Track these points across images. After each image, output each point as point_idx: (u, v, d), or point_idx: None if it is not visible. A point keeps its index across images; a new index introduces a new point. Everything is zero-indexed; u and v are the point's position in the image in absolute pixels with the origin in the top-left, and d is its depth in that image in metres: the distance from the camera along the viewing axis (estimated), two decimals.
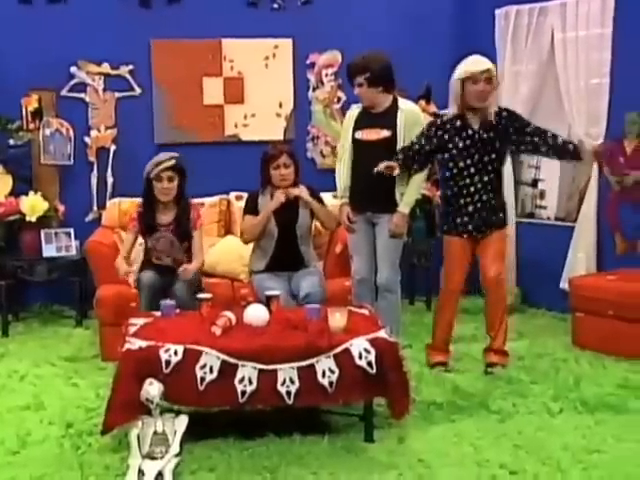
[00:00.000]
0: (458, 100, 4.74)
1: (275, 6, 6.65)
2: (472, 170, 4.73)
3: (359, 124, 5.04)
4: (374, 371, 3.72)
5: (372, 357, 3.73)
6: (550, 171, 6.46)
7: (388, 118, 4.98)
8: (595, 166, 5.95)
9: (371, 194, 4.96)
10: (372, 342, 3.78)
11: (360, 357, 3.73)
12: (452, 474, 3.50)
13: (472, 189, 4.75)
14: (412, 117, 5.02)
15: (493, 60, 6.44)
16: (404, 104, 5.08)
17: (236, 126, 6.70)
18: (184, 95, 6.56)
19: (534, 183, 6.63)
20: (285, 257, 5.12)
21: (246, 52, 6.64)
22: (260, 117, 6.71)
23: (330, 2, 6.66)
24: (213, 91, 6.63)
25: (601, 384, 4.64)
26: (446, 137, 4.77)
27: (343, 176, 5.13)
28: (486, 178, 4.75)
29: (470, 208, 4.77)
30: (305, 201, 5.10)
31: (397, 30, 6.65)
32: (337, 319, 3.89)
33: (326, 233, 5.76)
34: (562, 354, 5.24)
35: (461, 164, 4.74)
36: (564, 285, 5.90)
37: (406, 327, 5.61)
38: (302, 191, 5.10)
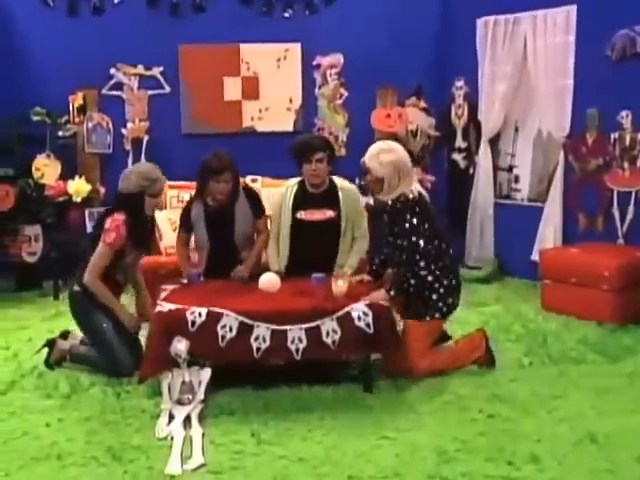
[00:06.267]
0: None
1: (286, 15, 6.61)
2: None
3: (300, 204, 4.40)
4: (371, 331, 3.72)
5: (370, 319, 3.73)
6: (523, 158, 6.42)
7: (331, 198, 4.41)
8: (562, 155, 5.92)
9: (313, 268, 4.14)
10: (369, 306, 3.77)
11: (359, 319, 3.72)
12: (438, 419, 3.52)
13: None
14: (352, 196, 4.49)
15: (474, 62, 6.45)
16: (340, 183, 4.49)
17: (252, 119, 6.67)
18: (207, 92, 6.54)
19: (510, 169, 6.59)
20: (222, 269, 4.36)
21: (261, 55, 6.60)
22: (273, 111, 6.67)
23: (333, 12, 6.61)
24: (232, 89, 6.61)
25: (564, 341, 4.65)
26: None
27: (281, 256, 4.46)
28: None
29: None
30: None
31: (390, 35, 6.59)
32: (339, 285, 3.88)
33: None
34: (532, 316, 5.23)
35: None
36: (535, 257, 5.88)
37: None
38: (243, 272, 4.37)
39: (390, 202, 3.96)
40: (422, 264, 3.93)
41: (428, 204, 4.03)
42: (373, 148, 4.07)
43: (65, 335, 4.39)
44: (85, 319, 4.17)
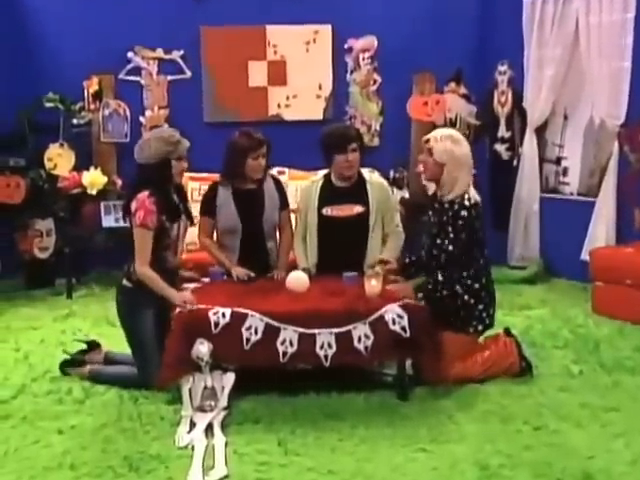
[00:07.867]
0: None
1: None
2: None
3: (326, 200, 4.37)
4: (407, 335, 3.69)
5: (405, 322, 3.70)
6: (573, 149, 6.36)
7: (359, 193, 4.36)
8: (616, 145, 5.84)
9: (341, 267, 4.15)
10: (404, 308, 3.74)
11: (394, 322, 3.69)
12: (479, 430, 3.48)
13: None
14: (382, 191, 4.42)
15: (519, 44, 6.38)
16: (369, 177, 4.45)
17: (279, 106, 6.69)
18: (231, 78, 6.57)
19: (557, 161, 6.53)
20: (252, 255, 4.39)
21: (288, 37, 6.61)
22: (301, 98, 6.69)
23: None
24: (258, 74, 6.63)
25: (618, 348, 4.59)
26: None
27: (310, 253, 4.43)
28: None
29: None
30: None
31: (428, 16, 6.59)
32: (372, 286, 3.86)
33: None
34: (582, 320, 5.17)
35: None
36: (585, 256, 5.81)
37: None
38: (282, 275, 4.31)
39: (446, 201, 3.97)
40: (471, 271, 3.93)
41: (482, 209, 4.02)
42: (442, 131, 4.12)
43: (92, 346, 4.40)
44: (130, 317, 4.07)
